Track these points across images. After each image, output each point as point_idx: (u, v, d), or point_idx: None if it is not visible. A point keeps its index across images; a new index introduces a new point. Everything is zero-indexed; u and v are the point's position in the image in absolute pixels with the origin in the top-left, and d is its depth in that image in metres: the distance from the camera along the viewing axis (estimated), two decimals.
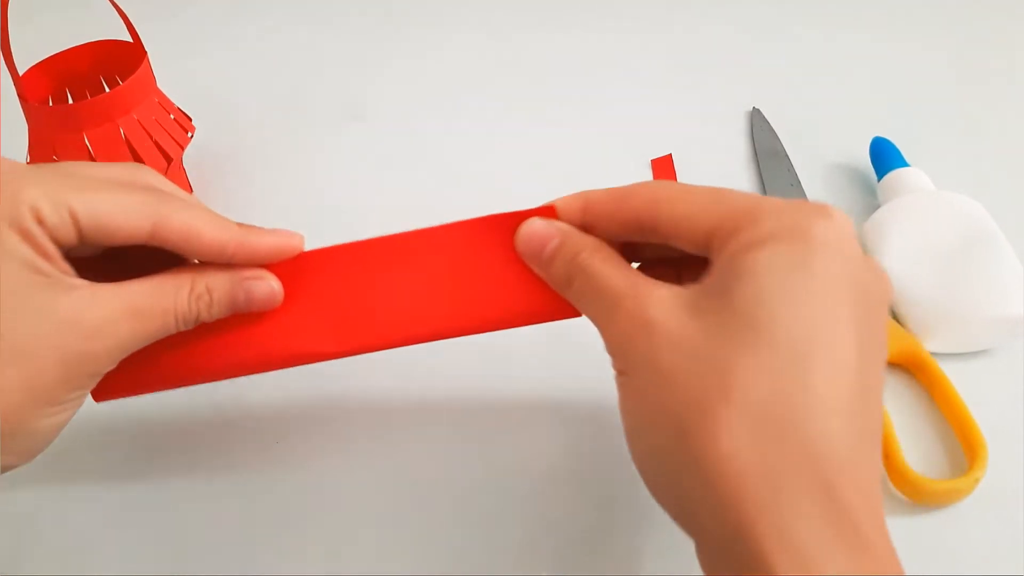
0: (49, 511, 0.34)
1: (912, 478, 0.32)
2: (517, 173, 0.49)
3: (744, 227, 0.25)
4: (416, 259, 0.30)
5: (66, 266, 0.27)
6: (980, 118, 0.52)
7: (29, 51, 0.45)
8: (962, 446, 0.34)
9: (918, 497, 0.32)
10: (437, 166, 0.50)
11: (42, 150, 0.43)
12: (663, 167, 0.49)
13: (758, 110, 0.53)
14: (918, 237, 0.40)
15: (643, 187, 0.29)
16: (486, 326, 0.30)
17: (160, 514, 0.34)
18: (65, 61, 0.46)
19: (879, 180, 0.45)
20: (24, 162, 0.44)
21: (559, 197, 0.30)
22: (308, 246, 0.43)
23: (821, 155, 0.49)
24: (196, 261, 0.30)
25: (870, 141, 0.47)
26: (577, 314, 0.29)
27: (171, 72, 0.49)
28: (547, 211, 0.30)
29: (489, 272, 0.29)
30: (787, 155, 0.49)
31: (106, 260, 0.30)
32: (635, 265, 0.29)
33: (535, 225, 0.29)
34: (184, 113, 0.47)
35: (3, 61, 0.41)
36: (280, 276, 0.30)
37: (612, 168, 0.49)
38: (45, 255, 0.26)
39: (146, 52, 0.45)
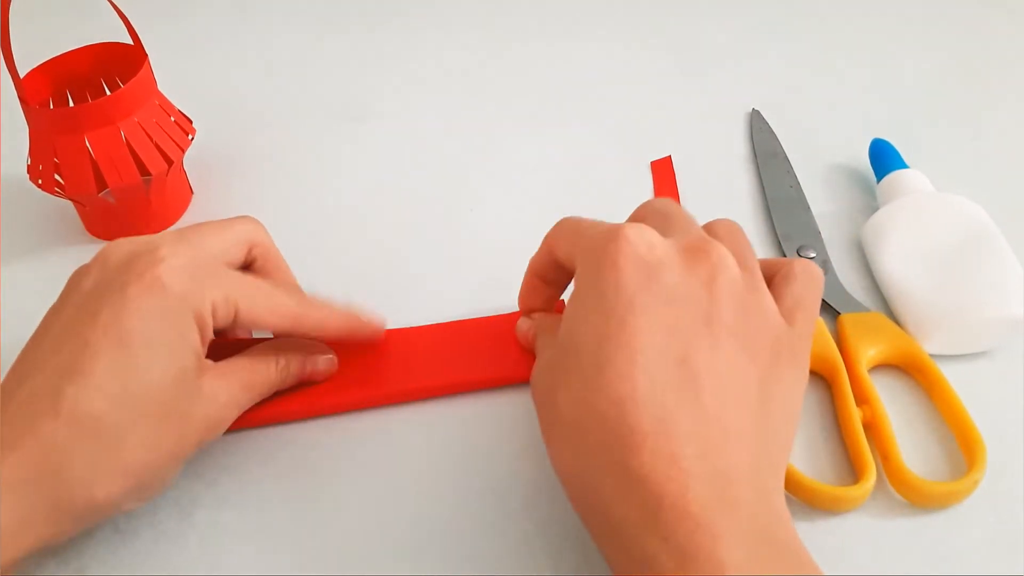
0: None
1: (911, 480, 0.32)
2: (516, 175, 0.50)
3: (576, 261, 0.30)
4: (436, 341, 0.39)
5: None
6: (980, 119, 0.52)
7: (30, 53, 0.45)
8: (961, 448, 0.34)
9: (917, 499, 0.32)
10: (437, 167, 0.50)
11: (43, 152, 0.43)
12: (662, 169, 0.49)
13: (757, 111, 0.53)
14: (917, 238, 0.40)
15: (548, 236, 0.34)
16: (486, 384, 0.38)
17: (162, 515, 0.34)
18: (66, 63, 0.46)
19: (878, 181, 0.45)
20: (26, 164, 0.45)
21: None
22: (308, 246, 0.43)
23: (820, 156, 0.49)
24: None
25: (869, 142, 0.47)
26: None
27: (171, 74, 0.50)
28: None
29: (491, 351, 0.38)
30: (786, 156, 0.49)
31: None
32: None
33: (520, 324, 0.38)
34: (184, 115, 0.48)
35: (4, 63, 0.41)
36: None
37: (612, 169, 0.50)
38: (204, 342, 0.32)
39: (147, 54, 0.45)
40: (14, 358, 0.31)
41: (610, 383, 0.26)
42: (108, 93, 0.47)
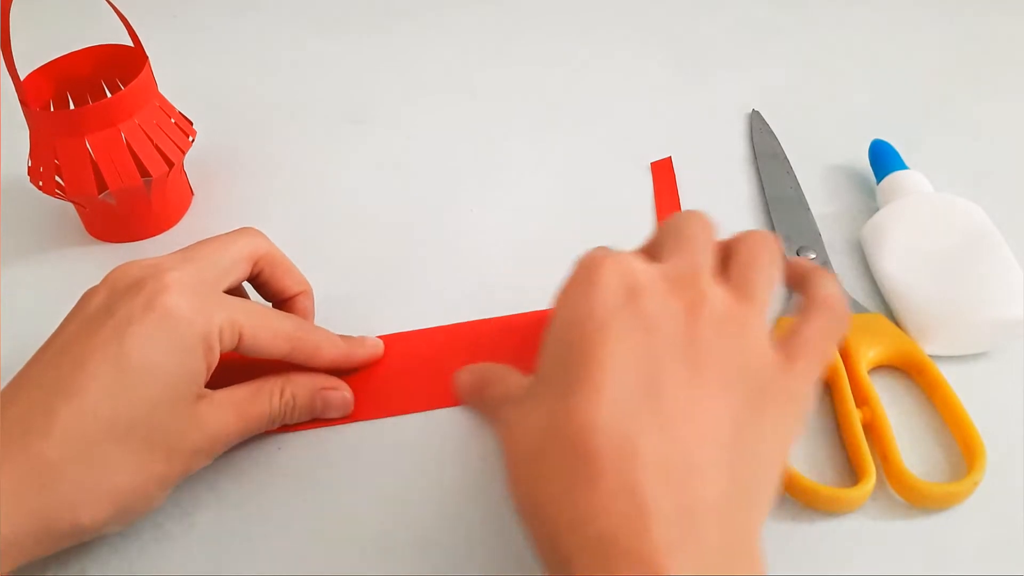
0: None
1: (911, 481, 0.32)
2: (517, 176, 0.50)
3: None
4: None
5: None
6: (980, 120, 0.52)
7: (30, 55, 0.45)
8: (961, 449, 0.34)
9: (917, 500, 0.32)
10: (436, 168, 0.50)
11: (43, 155, 0.43)
12: (663, 169, 0.49)
13: (757, 112, 0.53)
14: (917, 240, 0.40)
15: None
16: None
17: (163, 516, 0.34)
18: (66, 66, 0.46)
19: (878, 183, 0.45)
20: (27, 166, 0.45)
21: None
22: (308, 247, 0.43)
23: (820, 157, 0.49)
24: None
25: (869, 144, 0.47)
26: None
27: (172, 76, 0.50)
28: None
29: (491, 354, 0.36)
30: (786, 157, 0.49)
31: None
32: None
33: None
34: (185, 117, 0.48)
35: (4, 65, 0.41)
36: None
37: (611, 171, 0.50)
38: (209, 369, 0.32)
39: (147, 56, 0.45)
40: (14, 358, 0.32)
41: (574, 409, 0.25)
42: (109, 95, 0.47)
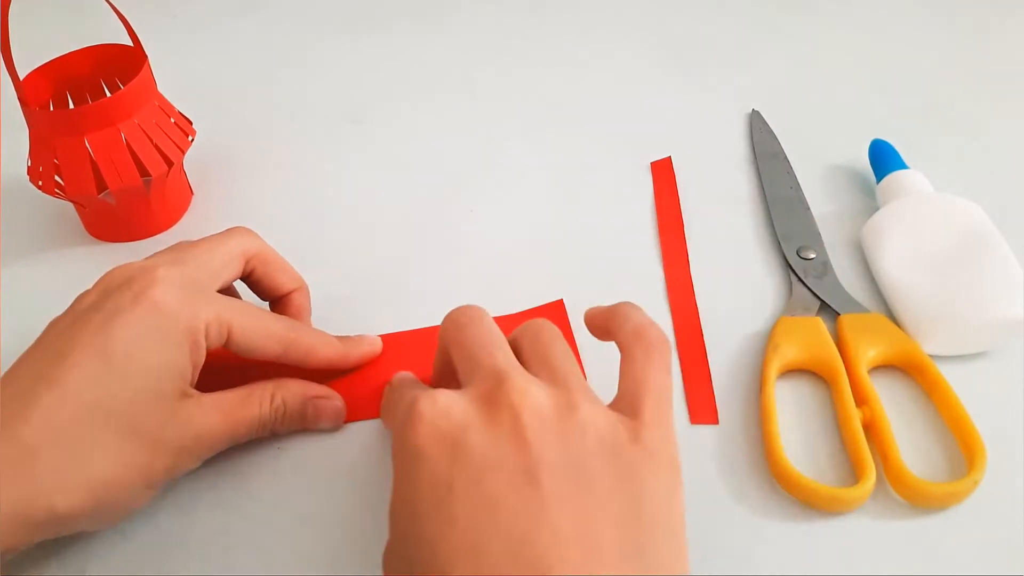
0: None
1: (911, 481, 0.32)
2: (516, 176, 0.50)
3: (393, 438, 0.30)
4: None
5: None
6: (979, 120, 0.52)
7: (30, 55, 0.45)
8: (961, 449, 0.34)
9: (917, 500, 0.32)
10: (436, 168, 0.50)
11: (43, 154, 0.43)
12: (662, 169, 0.49)
13: (757, 112, 0.53)
14: (917, 239, 0.40)
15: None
16: None
17: (163, 516, 0.34)
18: (66, 65, 0.46)
19: (878, 182, 0.45)
20: (26, 166, 0.45)
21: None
22: (307, 247, 0.43)
23: (820, 157, 0.49)
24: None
25: (869, 143, 0.47)
26: None
27: (171, 75, 0.50)
28: None
29: None
30: (786, 157, 0.49)
31: None
32: None
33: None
34: (185, 117, 0.48)
35: (4, 65, 0.41)
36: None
37: (611, 170, 0.50)
38: (195, 366, 0.32)
39: (146, 56, 0.45)
40: (14, 358, 0.31)
41: (422, 501, 0.25)
42: (108, 95, 0.47)
